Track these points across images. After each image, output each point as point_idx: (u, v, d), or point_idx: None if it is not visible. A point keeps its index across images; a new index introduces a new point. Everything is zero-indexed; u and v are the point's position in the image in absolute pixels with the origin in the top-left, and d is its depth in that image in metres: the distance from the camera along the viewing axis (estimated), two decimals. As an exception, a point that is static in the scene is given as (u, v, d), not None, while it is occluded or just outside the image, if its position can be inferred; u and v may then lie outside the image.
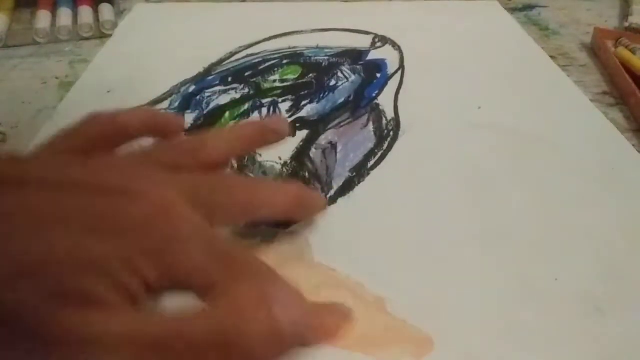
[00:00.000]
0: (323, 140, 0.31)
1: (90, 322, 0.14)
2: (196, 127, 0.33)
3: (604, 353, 0.20)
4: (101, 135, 0.22)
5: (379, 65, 0.39)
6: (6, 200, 0.15)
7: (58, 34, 0.43)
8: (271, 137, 0.25)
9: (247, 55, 0.40)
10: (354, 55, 0.40)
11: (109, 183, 0.17)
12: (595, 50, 0.42)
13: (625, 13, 0.46)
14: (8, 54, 0.41)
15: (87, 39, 0.43)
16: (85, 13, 0.45)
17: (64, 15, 0.44)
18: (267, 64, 0.39)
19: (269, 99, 0.35)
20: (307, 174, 0.29)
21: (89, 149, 0.21)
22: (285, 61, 0.39)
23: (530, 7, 0.49)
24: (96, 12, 0.45)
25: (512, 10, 0.47)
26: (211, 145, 0.22)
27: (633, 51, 0.38)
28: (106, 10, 0.45)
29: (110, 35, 0.44)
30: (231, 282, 0.17)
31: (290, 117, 0.34)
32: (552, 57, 0.41)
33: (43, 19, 0.44)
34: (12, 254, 0.14)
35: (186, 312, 0.16)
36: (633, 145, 0.31)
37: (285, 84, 0.37)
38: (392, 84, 0.37)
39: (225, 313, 0.16)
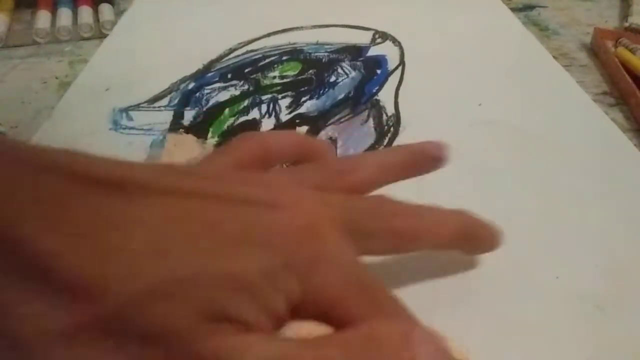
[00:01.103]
0: (323, 136, 0.31)
1: (243, 348, 0.14)
2: (196, 124, 0.33)
3: (604, 351, 0.20)
4: (250, 155, 0.21)
5: (379, 61, 0.39)
6: (153, 209, 0.15)
7: (58, 34, 0.43)
8: (429, 165, 0.23)
9: (247, 52, 0.40)
10: (354, 51, 0.40)
11: (257, 194, 0.16)
12: (595, 50, 0.42)
13: (625, 13, 0.46)
14: (8, 54, 0.41)
15: (87, 39, 0.43)
16: (85, 13, 0.45)
17: (64, 15, 0.44)
18: (267, 61, 0.39)
19: (269, 96, 0.35)
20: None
21: (238, 167, 0.20)
22: (285, 57, 0.39)
23: (530, 7, 0.49)
24: (96, 12, 0.46)
25: (512, 11, 0.46)
26: (362, 169, 0.21)
27: (633, 51, 0.38)
28: (106, 10, 0.45)
29: (110, 35, 0.44)
30: (373, 318, 0.16)
31: (289, 113, 0.33)
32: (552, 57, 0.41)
33: (43, 19, 0.44)
34: (157, 267, 0.13)
35: (324, 339, 0.15)
36: (634, 145, 0.31)
37: (285, 80, 0.37)
38: (393, 80, 0.37)
39: (367, 347, 0.15)
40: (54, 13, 0.45)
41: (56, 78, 0.38)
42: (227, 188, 0.16)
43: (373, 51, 0.40)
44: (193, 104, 0.34)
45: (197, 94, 0.35)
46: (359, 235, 0.18)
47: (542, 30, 0.45)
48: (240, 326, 0.14)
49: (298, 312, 0.16)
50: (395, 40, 0.41)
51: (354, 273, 0.16)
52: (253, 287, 0.14)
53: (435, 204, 0.21)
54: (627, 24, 0.43)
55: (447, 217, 0.21)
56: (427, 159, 0.23)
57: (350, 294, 0.16)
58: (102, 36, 0.43)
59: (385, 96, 0.35)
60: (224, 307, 0.14)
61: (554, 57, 0.40)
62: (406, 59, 0.39)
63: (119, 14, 0.46)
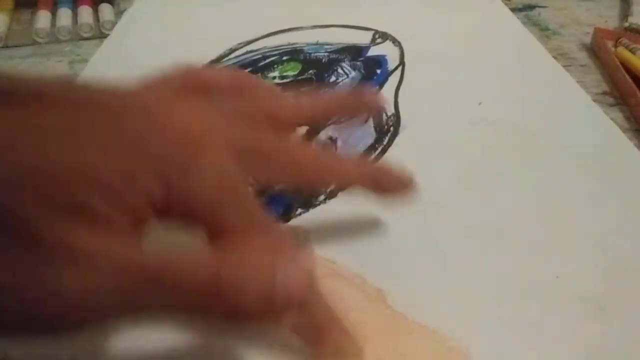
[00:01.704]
0: (323, 135, 0.31)
1: (86, 240, 0.14)
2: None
3: (604, 351, 0.20)
4: (184, 86, 0.21)
5: (379, 61, 0.39)
6: (55, 114, 0.15)
7: (58, 34, 0.43)
8: (361, 109, 0.23)
9: (247, 52, 0.40)
10: (354, 52, 0.40)
11: (157, 107, 0.17)
12: (595, 50, 0.42)
13: (625, 13, 0.46)
14: (8, 54, 0.41)
15: (87, 39, 0.43)
16: (85, 13, 0.45)
17: (64, 15, 0.44)
18: (267, 61, 0.39)
19: (269, 95, 0.35)
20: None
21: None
22: (285, 57, 0.39)
23: (530, 7, 0.49)
24: (96, 12, 0.45)
25: (512, 11, 0.46)
26: (290, 101, 0.21)
27: (633, 51, 0.38)
28: (106, 10, 0.45)
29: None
30: (243, 232, 0.16)
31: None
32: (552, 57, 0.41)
33: (43, 19, 0.44)
34: (21, 161, 0.14)
35: (185, 251, 0.15)
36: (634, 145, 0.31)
37: (285, 80, 0.37)
38: (393, 80, 0.37)
39: (227, 262, 0.15)
40: (54, 13, 0.45)
41: (56, 78, 0.38)
42: (131, 100, 0.17)
43: (373, 51, 0.40)
44: (193, 103, 0.34)
45: (197, 94, 0.35)
46: (257, 159, 0.19)
47: (542, 30, 0.45)
48: (92, 219, 0.14)
49: (167, 212, 0.16)
50: (395, 40, 0.41)
51: (230, 184, 0.17)
52: (110, 183, 0.15)
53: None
54: (627, 24, 0.43)
55: (363, 161, 0.22)
56: (360, 104, 0.23)
57: (222, 203, 0.16)
58: (102, 36, 0.43)
59: (385, 96, 0.35)
60: (73, 198, 0.14)
61: (554, 57, 0.40)
62: (406, 59, 0.39)
63: (119, 14, 0.46)
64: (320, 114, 0.23)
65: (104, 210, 0.14)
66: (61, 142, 0.15)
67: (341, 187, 0.22)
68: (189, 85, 0.21)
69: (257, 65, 0.38)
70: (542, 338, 0.20)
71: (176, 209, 0.16)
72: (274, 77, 0.37)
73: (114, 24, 0.44)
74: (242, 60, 0.39)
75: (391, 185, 0.22)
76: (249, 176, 0.18)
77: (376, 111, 0.23)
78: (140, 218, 0.15)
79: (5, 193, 0.14)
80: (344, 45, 0.41)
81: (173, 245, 0.16)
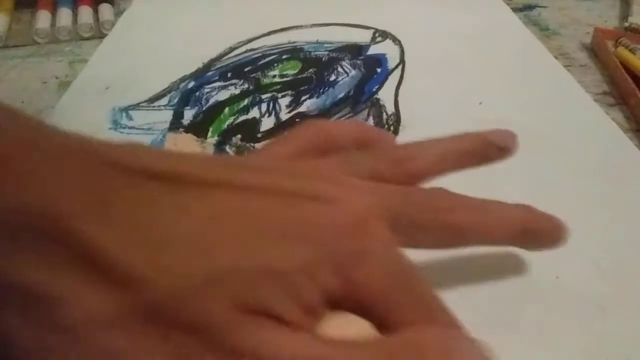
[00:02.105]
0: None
1: (279, 342, 0.14)
2: (195, 123, 0.33)
3: (605, 351, 0.20)
4: (311, 143, 0.20)
5: (379, 60, 0.39)
6: (202, 202, 0.15)
7: (58, 34, 0.43)
8: (494, 154, 0.22)
9: (247, 51, 0.40)
10: (354, 50, 0.40)
11: (305, 188, 0.16)
12: (595, 50, 0.41)
13: (625, 13, 0.46)
14: (8, 54, 0.41)
15: (87, 39, 0.43)
16: (85, 13, 0.45)
17: (64, 15, 0.44)
18: (267, 59, 0.39)
19: (269, 95, 0.35)
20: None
21: (297, 156, 0.20)
22: (284, 56, 0.39)
23: (530, 7, 0.49)
24: (96, 12, 0.45)
25: (512, 10, 0.46)
26: (421, 156, 0.20)
27: (633, 51, 0.38)
28: (106, 10, 0.45)
29: (110, 35, 0.44)
30: (417, 321, 0.16)
31: (289, 112, 0.33)
32: (552, 57, 0.40)
33: (43, 19, 0.44)
34: (203, 260, 0.14)
35: (363, 342, 0.15)
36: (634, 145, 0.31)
37: (285, 79, 0.37)
38: (393, 79, 0.37)
39: (408, 356, 0.14)
40: (54, 13, 0.45)
41: (56, 78, 0.38)
42: (275, 182, 0.16)
43: (373, 50, 0.40)
44: (193, 103, 0.34)
45: (197, 93, 0.35)
46: (411, 229, 0.18)
47: (542, 30, 0.45)
48: (275, 320, 0.14)
49: (339, 305, 0.15)
50: (395, 39, 0.41)
51: (399, 271, 0.16)
52: (290, 281, 0.14)
53: (498, 199, 0.20)
54: (627, 24, 0.43)
55: (511, 213, 0.20)
56: (491, 148, 0.21)
57: (393, 292, 0.16)
58: (102, 36, 0.43)
59: (385, 95, 0.35)
60: (260, 300, 0.14)
61: (554, 57, 0.40)
62: (406, 58, 0.39)
63: (119, 14, 0.46)
64: (453, 168, 0.21)
65: (286, 310, 0.14)
66: (246, 236, 0.14)
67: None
68: (317, 143, 0.20)
69: (257, 64, 0.38)
70: (542, 338, 0.20)
71: (350, 300, 0.15)
72: (274, 76, 0.37)
73: (113, 24, 0.44)
74: (242, 59, 0.39)
75: (548, 239, 0.21)
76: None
77: (509, 154, 0.22)
78: (316, 313, 0.15)
79: (198, 297, 0.13)
80: (344, 43, 0.41)
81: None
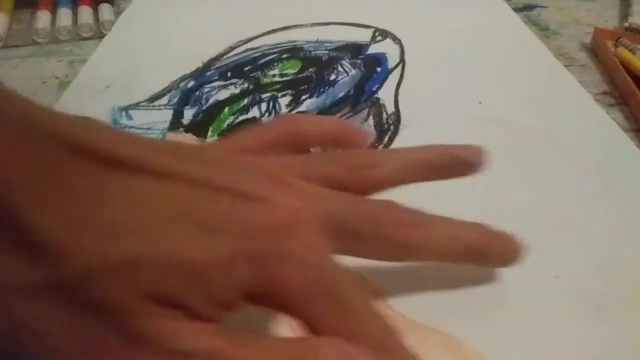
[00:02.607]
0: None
1: (180, 334, 0.14)
2: (195, 122, 0.33)
3: (604, 351, 0.20)
4: (278, 138, 0.20)
5: (379, 59, 0.39)
6: (139, 188, 0.15)
7: (58, 34, 0.43)
8: (458, 169, 0.21)
9: (247, 50, 0.40)
10: (354, 49, 0.40)
11: (242, 185, 0.16)
12: (595, 50, 0.41)
13: (625, 13, 0.46)
14: (8, 54, 0.41)
15: (87, 39, 0.43)
16: (85, 13, 0.45)
17: (64, 15, 0.44)
18: (267, 59, 0.39)
19: (269, 94, 0.35)
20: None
21: (263, 150, 0.20)
22: (284, 55, 0.39)
23: (530, 7, 0.48)
24: (96, 12, 0.45)
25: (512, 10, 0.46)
26: (383, 165, 0.20)
27: (633, 51, 0.38)
28: (106, 10, 0.45)
29: (110, 34, 0.44)
30: (333, 329, 0.15)
31: (290, 111, 0.33)
32: (551, 57, 0.40)
33: (43, 19, 0.44)
34: (120, 244, 0.14)
35: (261, 342, 0.15)
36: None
37: (285, 78, 0.36)
38: (393, 78, 0.37)
39: (297, 358, 0.15)
40: (53, 13, 0.45)
41: (56, 78, 0.38)
42: (213, 175, 0.16)
43: (373, 49, 0.40)
44: (193, 102, 0.34)
45: (197, 93, 0.35)
46: (353, 239, 0.18)
47: (542, 30, 0.45)
48: (183, 312, 0.14)
49: (254, 300, 0.16)
50: (395, 38, 0.41)
51: (321, 276, 0.16)
52: (202, 274, 0.14)
53: (449, 215, 0.20)
54: (627, 24, 0.43)
55: (459, 232, 0.20)
56: (457, 162, 0.21)
57: (311, 297, 0.15)
58: (102, 36, 0.43)
59: (385, 94, 0.35)
60: (170, 291, 0.14)
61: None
62: (406, 57, 0.39)
63: (118, 14, 0.46)
64: (414, 178, 0.21)
65: (195, 302, 0.14)
66: (167, 225, 0.15)
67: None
68: (283, 138, 0.20)
69: (257, 63, 0.38)
70: (542, 338, 0.20)
71: (268, 298, 0.15)
72: (274, 75, 0.37)
73: (113, 23, 0.44)
74: (241, 58, 0.39)
75: (497, 258, 0.21)
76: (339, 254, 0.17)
77: (475, 170, 0.21)
78: (229, 307, 0.15)
79: (109, 279, 0.14)
80: (344, 43, 0.41)
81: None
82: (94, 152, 0.15)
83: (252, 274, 0.15)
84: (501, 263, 0.21)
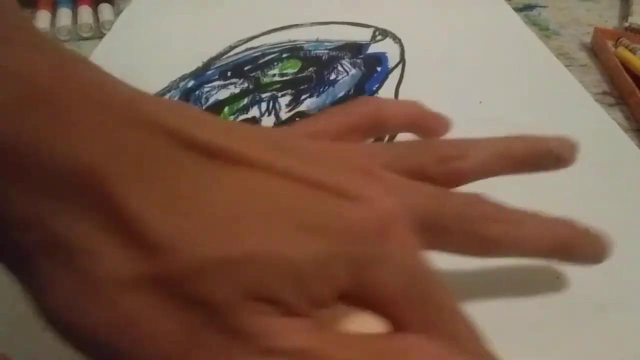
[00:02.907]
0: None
1: (277, 332, 0.14)
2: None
3: (604, 351, 0.20)
4: (359, 122, 0.20)
5: (380, 58, 0.39)
6: (238, 182, 0.15)
7: (58, 34, 0.43)
8: (550, 164, 0.21)
9: (247, 49, 0.40)
10: (354, 49, 0.40)
11: (338, 183, 0.16)
12: (595, 50, 0.41)
13: (625, 13, 0.46)
14: (8, 53, 0.41)
15: (86, 39, 0.43)
16: (85, 13, 0.45)
17: (64, 15, 0.44)
18: (267, 58, 0.39)
19: (269, 94, 0.35)
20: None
21: (342, 134, 0.20)
22: (284, 55, 0.39)
23: (530, 7, 0.48)
24: (96, 12, 0.45)
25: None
26: (469, 156, 0.20)
27: (633, 51, 0.38)
28: (106, 10, 0.45)
29: (110, 34, 0.44)
30: (423, 331, 0.15)
31: (289, 111, 0.33)
32: (552, 57, 0.40)
33: (43, 19, 0.44)
34: (225, 239, 0.14)
35: (360, 341, 0.15)
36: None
37: (285, 78, 0.36)
38: (393, 78, 0.37)
39: (386, 356, 0.15)
40: (53, 13, 0.45)
41: (56, 77, 0.38)
42: (312, 170, 0.16)
43: (373, 49, 0.40)
44: (193, 102, 0.34)
45: (197, 92, 0.35)
46: (441, 234, 0.18)
47: (542, 30, 0.45)
48: (280, 309, 0.14)
49: (349, 300, 0.15)
50: (395, 38, 0.41)
51: (416, 280, 0.16)
52: (302, 273, 0.14)
53: (538, 210, 0.20)
54: (627, 24, 0.43)
55: (548, 227, 0.19)
56: (550, 157, 0.21)
57: (405, 298, 0.15)
58: (101, 36, 0.43)
59: (385, 94, 0.35)
60: (269, 289, 0.14)
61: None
62: (406, 57, 0.39)
63: (118, 14, 0.46)
64: (501, 172, 0.21)
65: (293, 300, 0.14)
66: (267, 221, 0.14)
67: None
68: (365, 122, 0.20)
69: (257, 63, 0.38)
70: (541, 338, 0.20)
71: (361, 298, 0.15)
72: (274, 75, 0.37)
73: (113, 23, 0.44)
74: (241, 57, 0.39)
75: (585, 255, 0.21)
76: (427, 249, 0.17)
77: (566, 165, 0.21)
78: (325, 305, 0.15)
79: (212, 276, 0.13)
80: (344, 42, 0.41)
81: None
82: (193, 142, 0.14)
83: (349, 275, 0.15)
84: (588, 260, 0.21)
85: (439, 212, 0.18)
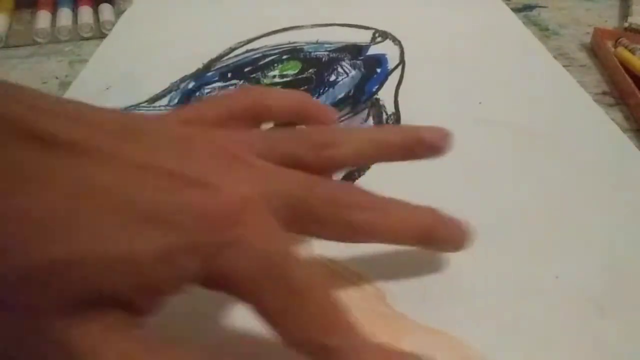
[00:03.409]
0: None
1: (97, 344, 0.13)
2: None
3: (604, 351, 0.20)
4: (240, 110, 0.20)
5: (379, 60, 0.39)
6: (75, 175, 0.14)
7: (58, 34, 0.43)
8: (421, 152, 0.21)
9: (247, 51, 0.40)
10: (354, 50, 0.40)
11: (188, 172, 0.15)
12: (595, 50, 0.41)
13: (625, 13, 0.46)
14: (8, 54, 0.41)
15: (87, 39, 0.43)
16: (85, 13, 0.45)
17: (64, 16, 0.44)
18: (267, 60, 0.39)
19: (269, 95, 0.35)
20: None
21: (223, 122, 0.19)
22: (285, 56, 0.39)
23: (529, 7, 0.49)
24: (96, 12, 0.46)
25: (512, 11, 0.46)
26: (344, 144, 0.20)
27: (633, 51, 0.38)
28: (106, 11, 0.45)
29: (110, 35, 0.44)
30: (276, 313, 0.15)
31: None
32: (551, 57, 0.40)
33: (43, 19, 0.44)
34: (54, 247, 0.13)
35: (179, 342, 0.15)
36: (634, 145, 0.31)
37: (285, 79, 0.37)
38: (393, 79, 0.37)
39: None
40: (54, 13, 0.45)
41: (56, 78, 0.38)
42: (161, 159, 0.15)
43: (373, 50, 0.40)
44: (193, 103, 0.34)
45: (197, 93, 0.35)
46: (309, 220, 0.18)
47: (542, 30, 0.45)
48: (119, 308, 0.14)
49: (208, 286, 0.15)
50: (395, 39, 0.41)
51: (271, 261, 0.15)
52: (141, 269, 0.14)
53: (404, 199, 0.20)
54: (627, 24, 0.43)
55: (413, 216, 0.20)
56: (421, 145, 0.21)
57: (257, 282, 0.15)
58: (102, 36, 0.43)
59: (385, 95, 0.35)
60: (100, 290, 0.13)
61: (553, 57, 0.40)
62: (406, 58, 0.39)
63: (119, 14, 0.46)
64: (375, 158, 0.21)
65: (132, 296, 0.14)
66: (107, 218, 0.14)
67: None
68: (246, 110, 0.20)
69: (257, 64, 0.38)
70: (542, 338, 0.20)
71: (219, 284, 0.15)
72: (274, 76, 0.37)
73: (114, 24, 0.44)
74: (242, 59, 0.39)
75: (447, 243, 0.21)
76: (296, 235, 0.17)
77: (440, 153, 0.21)
78: (169, 295, 0.15)
79: (36, 288, 0.13)
80: (344, 44, 0.41)
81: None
82: (33, 132, 0.13)
83: (198, 264, 0.15)
84: (450, 248, 0.22)
85: (307, 199, 0.18)
